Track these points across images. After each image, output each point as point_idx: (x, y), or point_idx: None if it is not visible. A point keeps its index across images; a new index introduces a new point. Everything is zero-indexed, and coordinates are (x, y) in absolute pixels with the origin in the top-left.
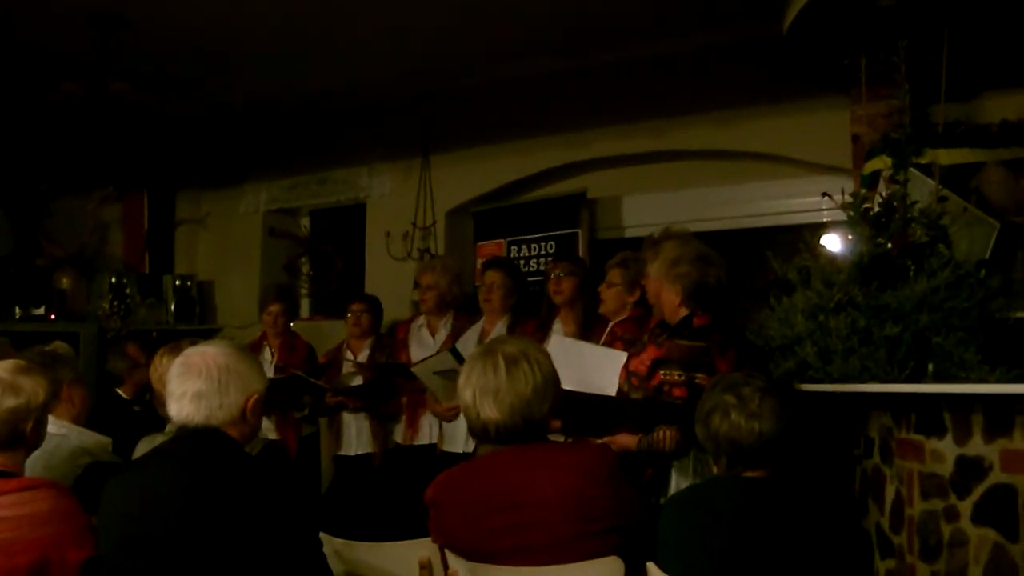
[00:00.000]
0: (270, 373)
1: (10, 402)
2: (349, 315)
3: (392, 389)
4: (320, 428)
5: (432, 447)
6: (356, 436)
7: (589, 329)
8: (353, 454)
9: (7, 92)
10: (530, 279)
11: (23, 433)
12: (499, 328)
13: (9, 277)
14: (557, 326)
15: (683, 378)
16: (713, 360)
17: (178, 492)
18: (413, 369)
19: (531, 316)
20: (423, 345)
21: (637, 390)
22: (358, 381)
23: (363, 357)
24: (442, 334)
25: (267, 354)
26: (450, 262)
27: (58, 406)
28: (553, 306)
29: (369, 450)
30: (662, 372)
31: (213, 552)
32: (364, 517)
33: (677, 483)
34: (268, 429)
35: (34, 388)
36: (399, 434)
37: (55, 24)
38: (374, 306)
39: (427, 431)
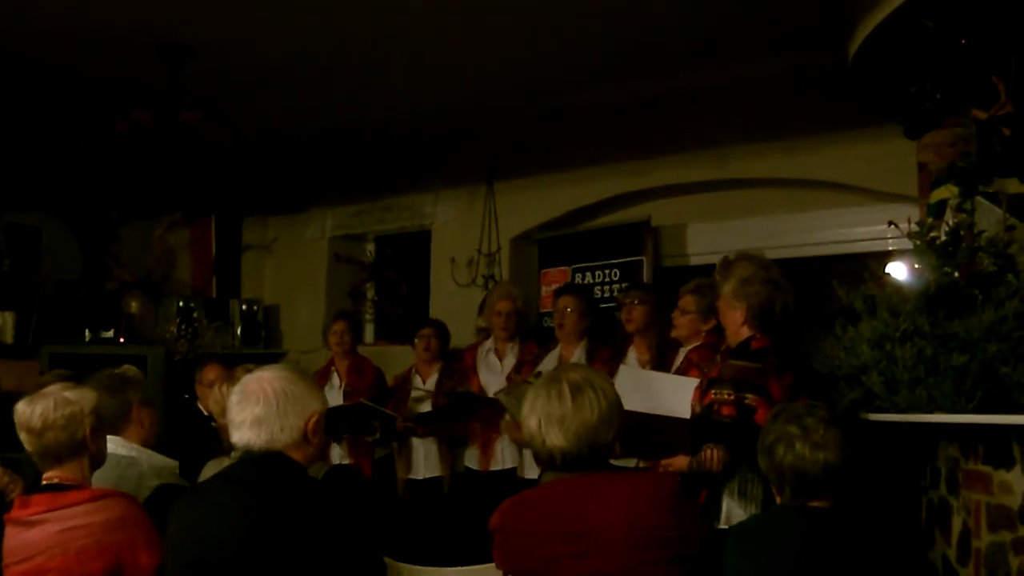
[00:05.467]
0: (339, 398)
1: (63, 410)
2: (418, 339)
3: (464, 415)
4: (394, 450)
5: (507, 472)
6: (424, 460)
7: (663, 355)
8: (421, 478)
9: (79, 120)
10: None
11: (83, 440)
12: (577, 354)
13: (79, 301)
14: (631, 354)
15: (732, 397)
16: (767, 382)
17: (241, 516)
18: (500, 398)
19: (605, 343)
20: (491, 370)
21: None
22: (426, 406)
23: (432, 382)
24: (510, 359)
25: (335, 379)
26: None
27: (127, 428)
28: (627, 334)
29: (437, 474)
30: (713, 391)
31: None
32: (434, 541)
33: (727, 506)
34: (341, 455)
35: (80, 396)
36: (473, 460)
37: (126, 54)
38: (442, 331)
39: (500, 456)
